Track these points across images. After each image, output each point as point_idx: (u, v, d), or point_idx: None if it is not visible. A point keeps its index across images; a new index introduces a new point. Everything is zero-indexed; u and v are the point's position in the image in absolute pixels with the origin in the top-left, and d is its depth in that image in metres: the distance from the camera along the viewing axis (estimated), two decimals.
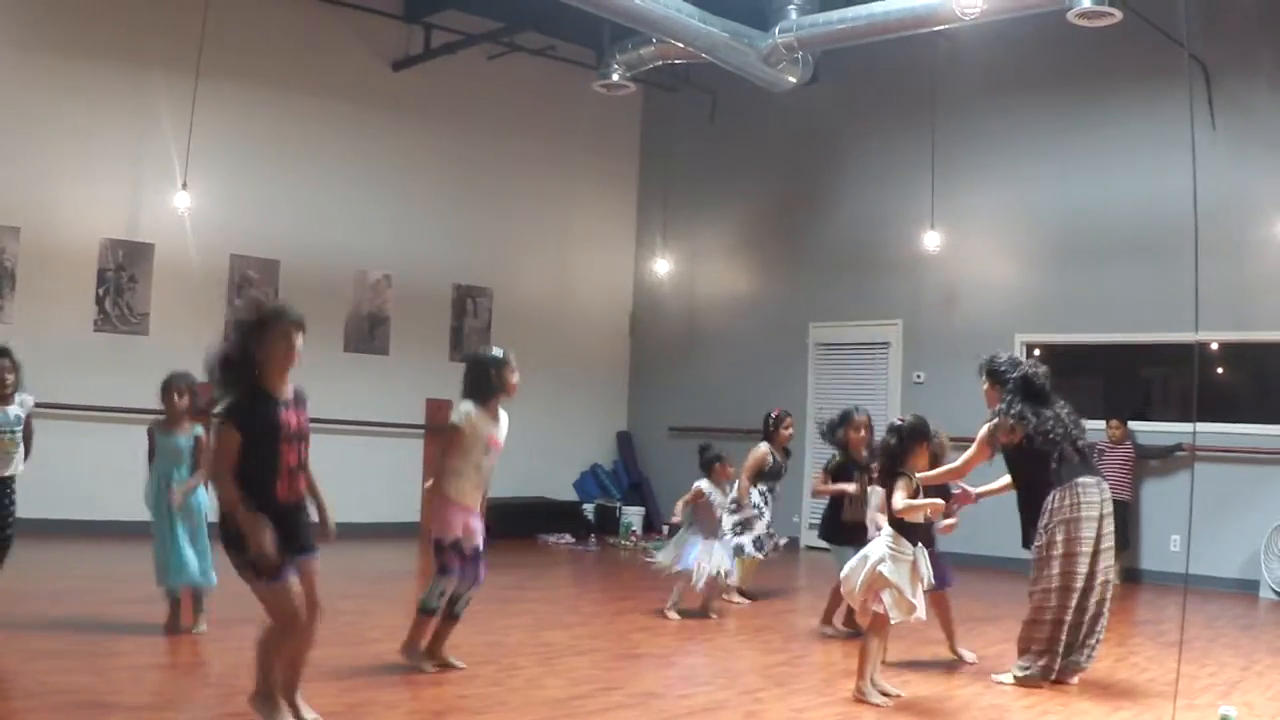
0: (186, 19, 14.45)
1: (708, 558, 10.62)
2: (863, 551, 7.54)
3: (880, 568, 7.30)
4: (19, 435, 8.69)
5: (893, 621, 7.36)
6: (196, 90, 14.45)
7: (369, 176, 17.01)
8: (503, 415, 7.97)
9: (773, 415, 12.01)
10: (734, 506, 11.55)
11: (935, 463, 8.12)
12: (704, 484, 10.85)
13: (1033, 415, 8.28)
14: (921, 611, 7.42)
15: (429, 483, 7.97)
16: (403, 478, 17.12)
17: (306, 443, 6.08)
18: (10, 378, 8.68)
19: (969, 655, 8.97)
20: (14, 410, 8.68)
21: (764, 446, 11.80)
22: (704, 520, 10.81)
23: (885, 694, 7.44)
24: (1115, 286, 14.87)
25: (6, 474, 8.68)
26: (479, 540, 7.86)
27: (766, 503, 11.77)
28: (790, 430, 12.01)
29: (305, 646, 6.14)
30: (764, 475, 11.76)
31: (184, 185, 14.65)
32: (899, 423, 7.70)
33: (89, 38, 14.81)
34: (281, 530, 5.90)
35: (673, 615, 10.67)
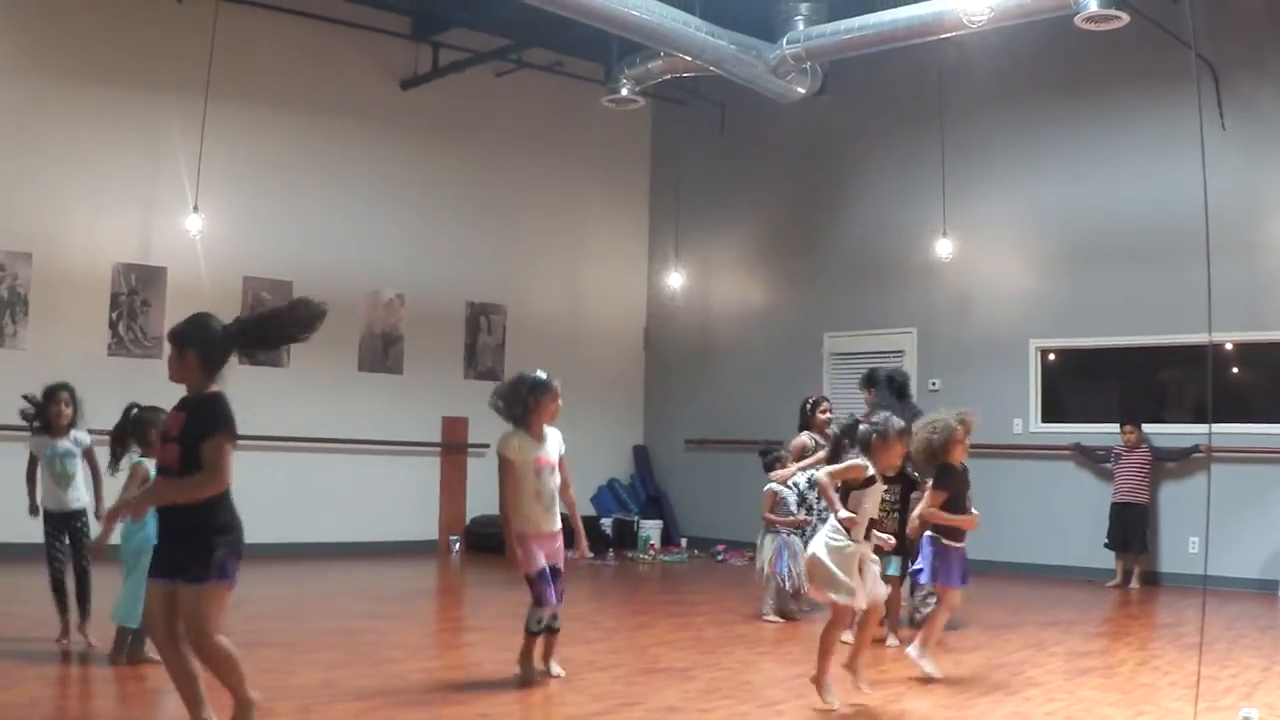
0: (195, 42, 14.46)
1: (794, 558, 10.94)
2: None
3: (816, 551, 7.42)
4: (71, 464, 8.95)
5: (833, 597, 7.34)
6: (206, 113, 14.49)
7: (380, 196, 17.06)
8: (553, 432, 8.15)
9: (809, 401, 11.96)
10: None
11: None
12: (773, 486, 11.24)
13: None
14: (860, 600, 7.36)
15: (505, 525, 8.09)
16: (420, 496, 17.18)
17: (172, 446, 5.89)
18: (68, 410, 9.00)
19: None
20: (67, 443, 8.98)
21: (804, 435, 11.73)
22: (782, 518, 11.22)
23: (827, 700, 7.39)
24: (1128, 289, 14.86)
25: (69, 508, 8.91)
26: (559, 561, 8.13)
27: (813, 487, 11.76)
28: (827, 414, 11.79)
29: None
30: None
31: (195, 208, 14.66)
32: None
33: (98, 62, 14.88)
34: None
35: (772, 618, 11.12)
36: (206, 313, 6.07)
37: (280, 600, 12.03)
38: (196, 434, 5.69)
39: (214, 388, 5.85)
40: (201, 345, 5.86)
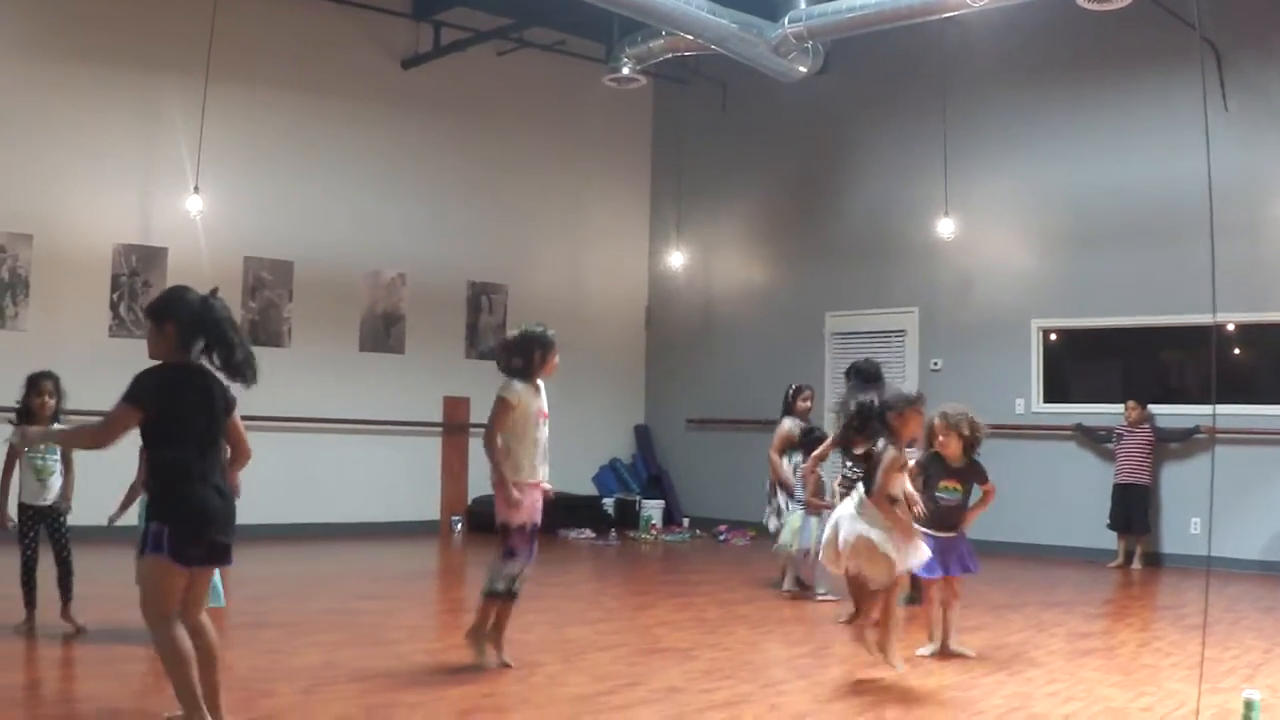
0: (195, 22, 14.41)
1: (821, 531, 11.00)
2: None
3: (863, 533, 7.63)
4: (53, 459, 8.72)
5: (874, 577, 7.70)
6: (206, 93, 14.45)
7: (381, 175, 17.03)
8: (540, 386, 8.14)
9: (791, 388, 12.31)
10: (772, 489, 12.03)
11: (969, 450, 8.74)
12: (818, 471, 11.25)
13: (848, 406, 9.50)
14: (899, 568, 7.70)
15: (491, 471, 8.04)
16: (421, 476, 17.19)
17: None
18: (51, 401, 8.71)
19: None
20: None
21: (788, 422, 12.00)
22: (823, 502, 11.25)
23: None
24: (1131, 269, 14.84)
25: (46, 503, 8.68)
26: (539, 518, 8.03)
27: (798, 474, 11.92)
28: (808, 403, 12.26)
29: None
30: (794, 447, 11.90)
31: (196, 188, 14.62)
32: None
33: (98, 43, 14.84)
34: None
35: (793, 589, 11.48)
36: (183, 285, 5.99)
37: (281, 580, 12.04)
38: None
39: (182, 360, 5.74)
40: (181, 316, 5.75)
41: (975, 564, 8.68)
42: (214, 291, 5.86)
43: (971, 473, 8.70)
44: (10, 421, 8.80)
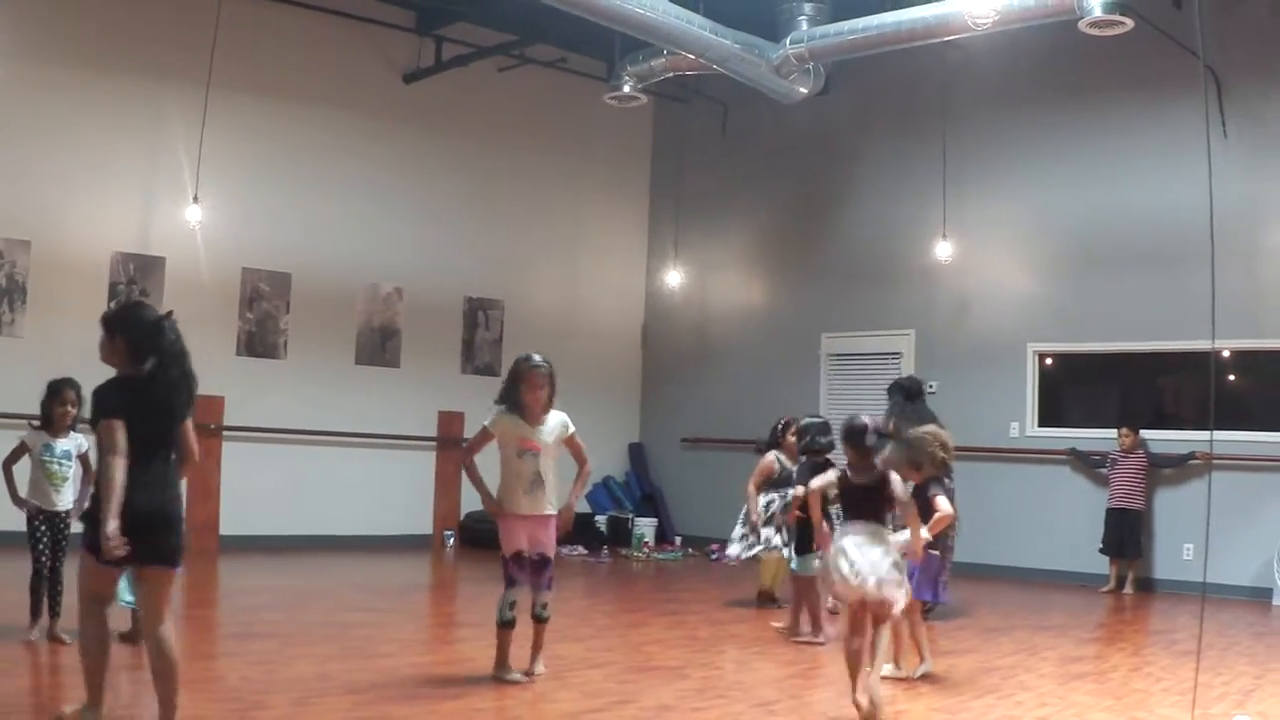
0: (198, 32, 14.43)
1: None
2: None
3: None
4: (68, 467, 8.69)
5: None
6: (208, 103, 14.45)
7: (380, 189, 17.05)
8: (555, 415, 8.01)
9: (780, 423, 11.91)
10: (745, 517, 12.00)
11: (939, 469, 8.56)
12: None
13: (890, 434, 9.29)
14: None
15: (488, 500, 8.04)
16: (415, 490, 17.15)
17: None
18: (72, 410, 8.68)
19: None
20: (67, 444, 8.70)
21: (771, 455, 11.73)
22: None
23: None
24: (1127, 295, 14.86)
25: (55, 509, 8.65)
26: (545, 549, 8.01)
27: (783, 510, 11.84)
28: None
29: None
30: (774, 483, 11.69)
31: (195, 198, 14.62)
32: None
33: (100, 51, 14.85)
34: None
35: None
36: (141, 301, 6.11)
37: (275, 592, 12.03)
38: (93, 421, 5.87)
39: (135, 371, 5.95)
40: (130, 333, 5.99)
41: (931, 592, 8.63)
42: (169, 314, 6.06)
43: (922, 490, 8.49)
44: (31, 425, 8.84)
